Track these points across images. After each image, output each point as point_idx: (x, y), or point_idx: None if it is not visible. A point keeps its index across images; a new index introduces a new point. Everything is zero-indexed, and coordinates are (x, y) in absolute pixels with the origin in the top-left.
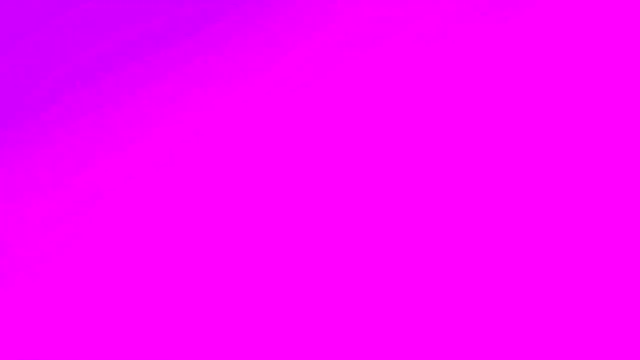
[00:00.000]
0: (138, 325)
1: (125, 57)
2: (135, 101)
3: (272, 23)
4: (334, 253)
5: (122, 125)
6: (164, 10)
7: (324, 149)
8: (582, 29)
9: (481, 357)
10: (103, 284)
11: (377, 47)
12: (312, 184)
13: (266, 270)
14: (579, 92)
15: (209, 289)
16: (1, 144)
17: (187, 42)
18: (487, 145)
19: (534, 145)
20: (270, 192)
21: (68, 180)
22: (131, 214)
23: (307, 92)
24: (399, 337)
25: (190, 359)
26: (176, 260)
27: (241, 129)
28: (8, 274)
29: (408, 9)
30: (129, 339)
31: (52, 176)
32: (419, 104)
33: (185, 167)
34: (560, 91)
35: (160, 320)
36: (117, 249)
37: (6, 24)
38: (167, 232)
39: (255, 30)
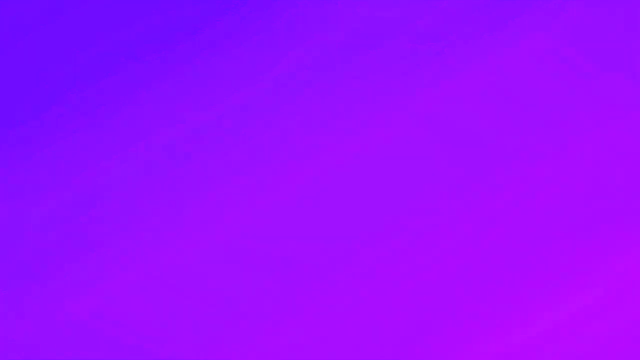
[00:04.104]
0: (137, 325)
1: (126, 58)
2: (136, 101)
3: (274, 23)
4: (335, 254)
5: (122, 125)
6: (165, 10)
7: (327, 150)
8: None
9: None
10: (103, 285)
11: (379, 49)
12: (314, 186)
13: (266, 271)
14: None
15: (209, 290)
16: (1, 144)
17: (188, 42)
18: (487, 148)
19: (534, 149)
20: (271, 193)
21: (69, 180)
22: (131, 214)
23: (309, 93)
24: (397, 337)
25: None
26: (177, 262)
27: (242, 129)
28: (8, 274)
29: (410, 10)
30: (127, 340)
31: (52, 177)
32: (421, 106)
33: (186, 168)
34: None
35: (159, 320)
36: (117, 250)
37: (6, 23)
38: (168, 232)
39: (257, 30)
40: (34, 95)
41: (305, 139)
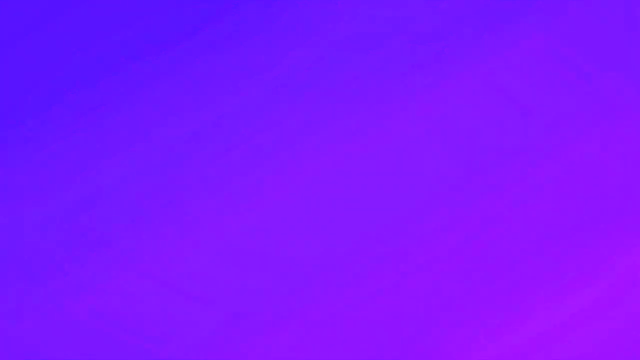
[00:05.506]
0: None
1: (126, 58)
2: (136, 101)
3: (274, 23)
4: (335, 255)
5: (122, 125)
6: (164, 10)
7: (327, 150)
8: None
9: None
10: (103, 285)
11: (379, 49)
12: (314, 185)
13: (266, 272)
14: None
15: (209, 290)
16: (1, 144)
17: (188, 42)
18: (487, 149)
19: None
20: (271, 193)
21: (69, 180)
22: (132, 214)
23: (309, 93)
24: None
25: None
26: (177, 262)
27: (242, 130)
28: (8, 274)
29: (410, 10)
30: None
31: (52, 177)
32: (420, 106)
33: (186, 168)
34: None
35: (159, 322)
36: (117, 250)
37: (6, 23)
38: (169, 232)
39: (257, 30)
40: (34, 95)
41: (305, 139)
